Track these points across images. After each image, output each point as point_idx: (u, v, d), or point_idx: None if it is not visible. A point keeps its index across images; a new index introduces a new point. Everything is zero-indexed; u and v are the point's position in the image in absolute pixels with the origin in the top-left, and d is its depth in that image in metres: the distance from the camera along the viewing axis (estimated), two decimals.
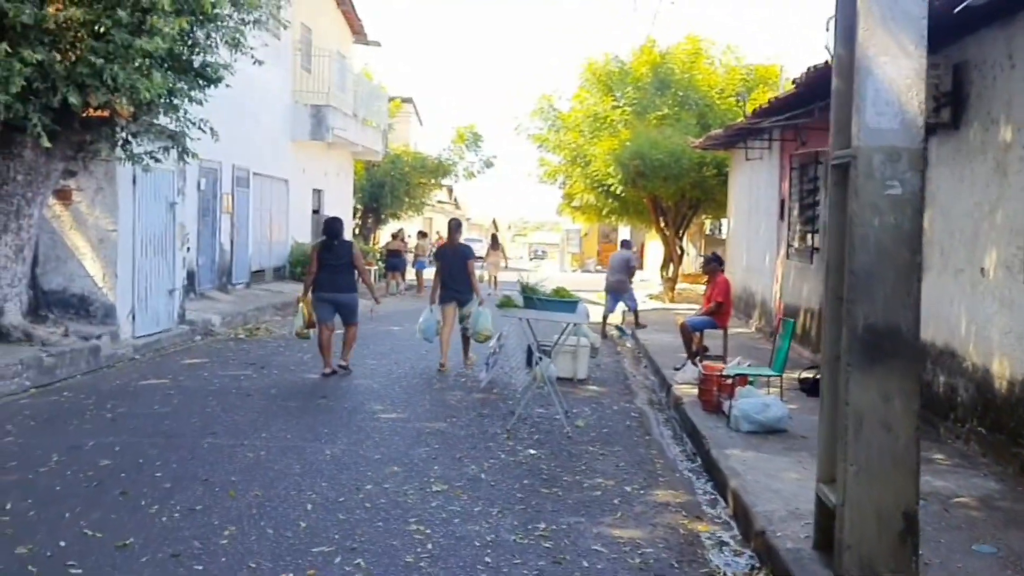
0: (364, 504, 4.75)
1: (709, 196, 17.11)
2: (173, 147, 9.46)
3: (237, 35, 9.34)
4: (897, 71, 3.41)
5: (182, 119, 9.37)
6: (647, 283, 26.52)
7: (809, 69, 7.89)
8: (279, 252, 18.43)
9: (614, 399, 8.22)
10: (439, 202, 46.63)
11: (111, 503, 4.67)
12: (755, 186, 12.99)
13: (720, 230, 23.02)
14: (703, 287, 20.31)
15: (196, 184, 14.00)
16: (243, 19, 9.38)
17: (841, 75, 3.78)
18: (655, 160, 15.18)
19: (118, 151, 9.34)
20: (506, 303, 6.77)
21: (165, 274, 11.31)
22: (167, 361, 9.71)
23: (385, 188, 25.31)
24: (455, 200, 63.82)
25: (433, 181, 27.56)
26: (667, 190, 16.37)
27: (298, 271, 18.54)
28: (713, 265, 9.41)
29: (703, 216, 19.94)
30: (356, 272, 8.96)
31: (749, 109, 12.29)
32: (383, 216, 26.72)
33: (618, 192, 16.12)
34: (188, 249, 12.43)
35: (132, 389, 7.95)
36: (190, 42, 8.87)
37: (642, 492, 5.15)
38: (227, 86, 9.50)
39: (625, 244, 14.36)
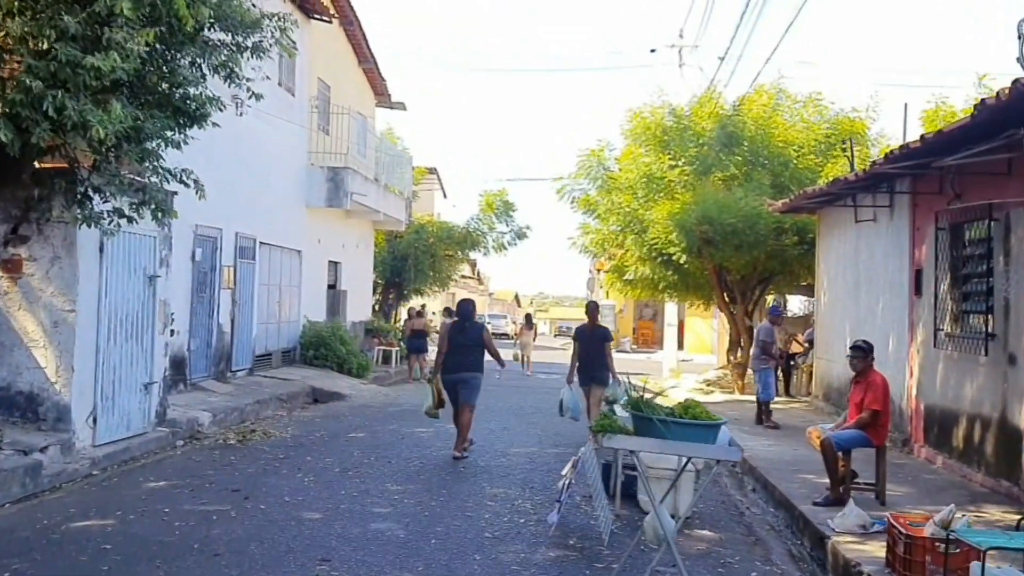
0: None
1: (786, 267, 14.78)
2: (144, 204, 7.33)
3: (231, 64, 7.32)
4: None
5: (158, 168, 7.29)
6: (695, 364, 23.99)
7: (1016, 82, 5.63)
8: (288, 333, 16.21)
9: (743, 557, 5.73)
10: (462, 276, 44.72)
11: None
12: (866, 253, 10.66)
13: (784, 306, 20.52)
14: None
15: (190, 254, 11.92)
16: (238, 43, 7.37)
17: None
18: (727, 225, 12.95)
19: (74, 209, 7.23)
20: (607, 427, 4.41)
21: (140, 364, 9.08)
22: (126, 483, 7.36)
23: (408, 261, 23.22)
24: (478, 274, 61.84)
25: (460, 254, 25.47)
26: (738, 260, 14.08)
27: (310, 354, 16.32)
28: (863, 357, 6.92)
29: (769, 291, 17.57)
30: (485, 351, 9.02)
31: (859, 165, 10.07)
32: (406, 292, 24.59)
33: (682, 262, 13.84)
34: (173, 332, 10.22)
35: (58, 536, 5.59)
36: (165, 68, 6.85)
37: None
38: (215, 124, 7.43)
39: (774, 312, 12.35)
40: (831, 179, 13.51)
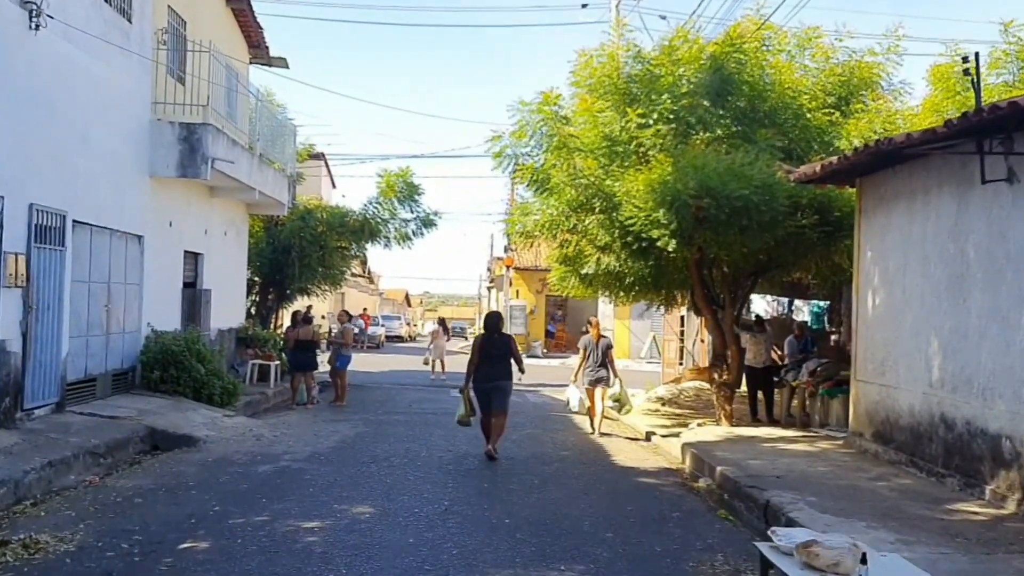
0: None
1: (800, 257, 11.49)
2: None
3: None
4: None
5: None
6: (620, 371, 20.44)
7: None
8: (124, 348, 11.70)
9: None
10: (352, 274, 40.11)
11: None
12: (985, 232, 7.35)
13: (748, 309, 17.41)
14: (759, 393, 14.02)
15: None
16: None
17: None
18: (736, 199, 9.52)
19: None
20: None
21: None
22: None
23: (292, 253, 18.82)
24: (368, 272, 56.76)
25: (355, 246, 21.17)
26: (740, 248, 10.69)
27: (155, 376, 11.86)
28: None
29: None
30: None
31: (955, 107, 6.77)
32: (289, 291, 20.16)
33: (669, 249, 10.29)
34: None
35: None
36: None
37: None
38: None
39: None
40: (860, 138, 10.41)
